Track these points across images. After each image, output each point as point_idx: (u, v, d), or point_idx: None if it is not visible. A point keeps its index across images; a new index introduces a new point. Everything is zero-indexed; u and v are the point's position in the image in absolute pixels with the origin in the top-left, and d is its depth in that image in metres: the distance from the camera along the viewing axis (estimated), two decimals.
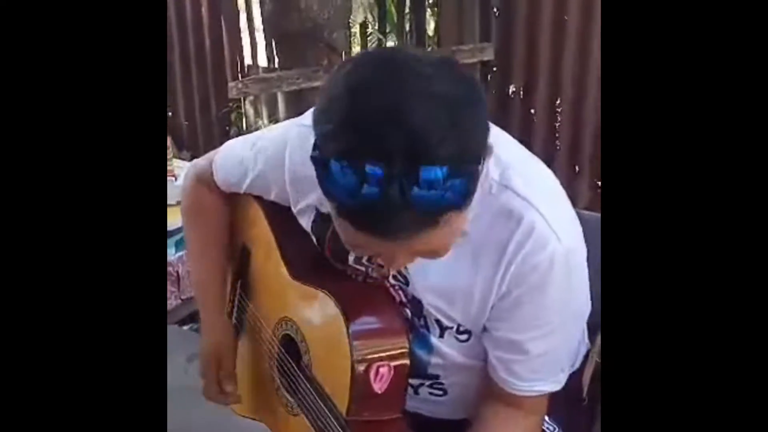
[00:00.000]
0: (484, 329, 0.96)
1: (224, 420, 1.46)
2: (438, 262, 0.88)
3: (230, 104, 3.57)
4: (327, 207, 0.98)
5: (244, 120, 3.66)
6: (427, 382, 1.06)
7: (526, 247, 0.88)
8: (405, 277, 0.98)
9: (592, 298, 1.14)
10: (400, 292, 1.00)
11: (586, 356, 1.26)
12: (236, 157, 1.15)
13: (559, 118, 2.93)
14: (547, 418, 1.08)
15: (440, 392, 1.07)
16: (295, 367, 1.08)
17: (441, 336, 0.99)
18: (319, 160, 0.75)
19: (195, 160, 1.27)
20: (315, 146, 0.76)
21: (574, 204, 1.10)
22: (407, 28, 3.64)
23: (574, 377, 1.25)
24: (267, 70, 3.35)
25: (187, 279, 2.19)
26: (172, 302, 2.05)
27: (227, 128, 3.65)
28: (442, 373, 1.05)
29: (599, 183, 2.85)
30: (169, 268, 2.12)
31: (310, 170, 0.97)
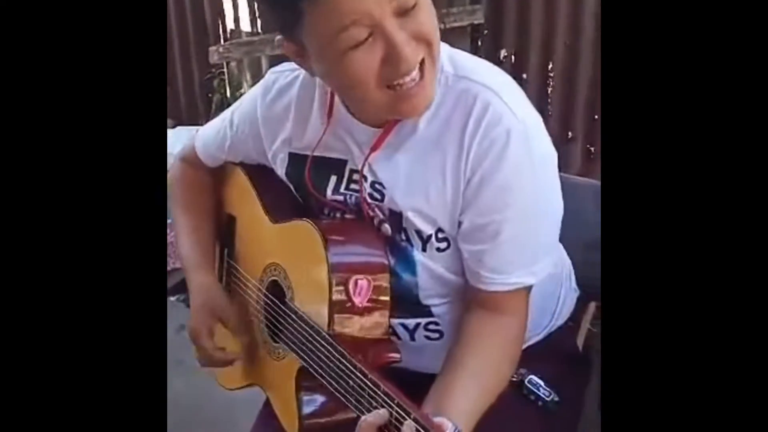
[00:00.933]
0: (459, 227, 0.98)
1: (210, 391, 1.43)
2: (407, 161, 0.97)
3: (213, 70, 3.48)
4: (299, 144, 1.07)
5: (227, 87, 3.57)
6: (423, 322, 1.06)
7: (483, 123, 0.92)
8: (381, 193, 1.00)
9: (590, 268, 1.13)
10: (377, 210, 1.02)
11: (578, 312, 1.24)
12: (214, 128, 1.22)
13: (551, 83, 2.86)
14: (542, 383, 1.06)
15: (436, 335, 1.07)
16: (281, 306, 1.06)
17: (423, 249, 1.01)
18: None
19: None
20: None
21: (567, 170, 1.08)
22: None
23: (569, 335, 1.23)
24: (250, 34, 3.26)
25: (169, 249, 2.16)
26: None
27: (210, 95, 3.56)
28: (432, 303, 1.05)
29: (592, 149, 2.80)
30: None
31: (279, 111, 1.08)
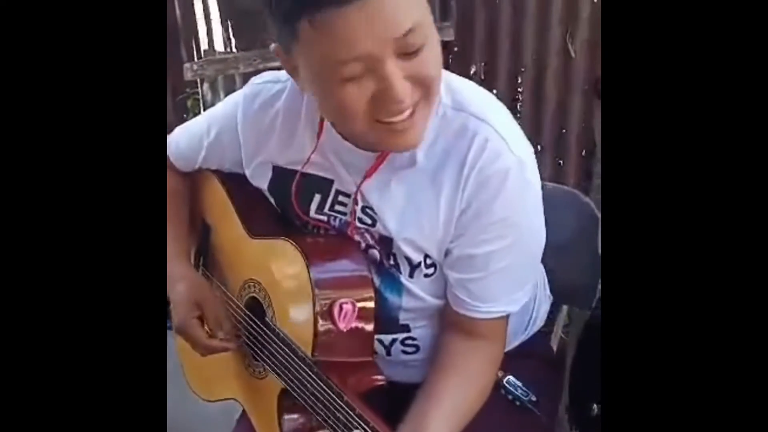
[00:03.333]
0: (446, 254, 0.99)
1: (190, 404, 1.42)
2: (403, 192, 0.97)
3: (186, 90, 3.49)
4: (283, 159, 1.06)
5: (201, 106, 3.57)
6: (400, 337, 1.07)
7: (482, 158, 0.93)
8: (372, 218, 1.00)
9: (560, 271, 1.16)
10: (367, 236, 1.02)
11: (552, 317, 1.27)
12: (189, 133, 1.21)
13: (520, 98, 2.92)
14: (520, 384, 1.08)
15: (412, 349, 1.08)
16: (261, 326, 1.06)
17: (411, 276, 1.02)
18: None
19: None
20: None
21: None
22: None
23: (543, 339, 1.26)
24: (223, 53, 3.28)
25: None
26: None
27: (184, 116, 3.56)
28: (412, 323, 1.06)
29: (561, 162, 2.85)
30: None
31: (263, 123, 1.07)
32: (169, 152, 1.23)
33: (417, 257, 1.01)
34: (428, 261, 1.01)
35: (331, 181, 1.05)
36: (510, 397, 1.10)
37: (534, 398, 1.10)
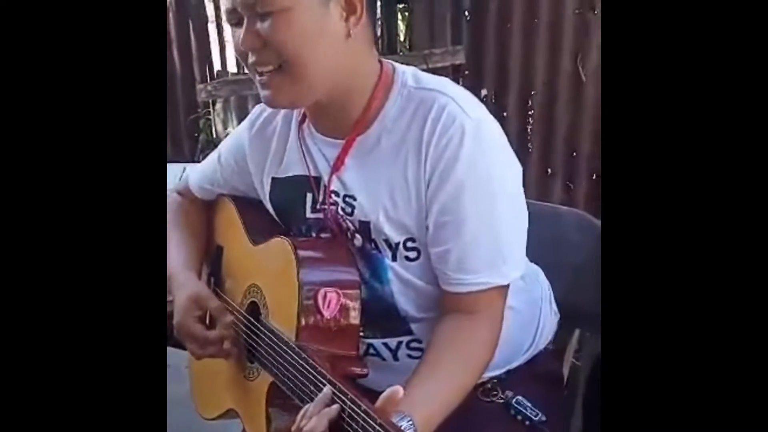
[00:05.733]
0: (426, 232, 1.01)
1: (194, 430, 1.42)
2: (372, 169, 1.02)
3: (198, 110, 3.52)
4: (280, 168, 1.13)
5: (213, 127, 3.60)
6: (405, 339, 1.08)
7: (439, 124, 0.98)
8: (351, 206, 1.05)
9: (572, 293, 1.16)
10: (348, 222, 1.06)
11: (563, 341, 1.27)
12: (207, 162, 1.30)
13: (530, 122, 2.93)
14: (529, 404, 1.08)
15: (418, 353, 1.08)
16: (255, 324, 1.08)
17: (394, 258, 1.04)
18: None
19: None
20: None
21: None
22: (378, 33, 3.62)
23: (553, 361, 1.26)
24: (236, 75, 3.32)
25: None
26: None
27: (196, 135, 3.59)
28: (412, 315, 1.07)
29: (571, 185, 2.85)
30: None
31: (265, 138, 1.16)
32: (189, 183, 1.31)
33: (396, 237, 1.03)
34: (408, 244, 1.03)
35: (320, 179, 1.09)
36: (519, 417, 1.09)
37: (543, 418, 1.09)
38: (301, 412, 0.88)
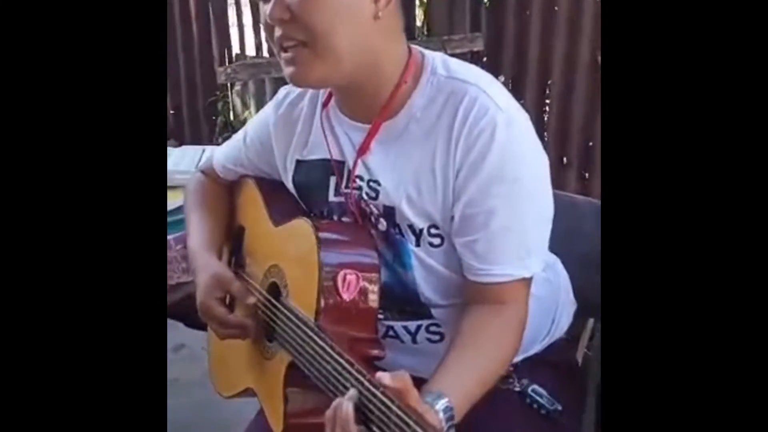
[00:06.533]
0: (451, 222, 1.02)
1: (209, 410, 1.44)
2: (399, 156, 1.03)
3: (217, 93, 3.54)
4: (305, 151, 1.14)
5: (231, 109, 3.62)
6: (424, 323, 1.09)
7: (470, 116, 0.98)
8: (375, 191, 1.05)
9: (588, 283, 1.17)
10: (372, 206, 1.06)
11: (578, 329, 1.28)
12: (231, 143, 1.31)
13: (547, 110, 2.93)
14: (545, 392, 1.09)
15: (437, 337, 1.10)
16: (275, 304, 1.09)
17: (417, 244, 1.05)
18: None
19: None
20: None
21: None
22: None
23: (569, 350, 1.27)
24: (254, 58, 3.32)
25: (174, 264, 2.19)
26: None
27: (214, 118, 3.61)
28: (433, 301, 1.08)
29: (586, 174, 2.85)
30: None
31: (290, 120, 1.16)
32: (214, 163, 1.32)
33: (420, 223, 1.03)
34: (432, 231, 1.04)
35: (343, 163, 1.10)
36: (535, 406, 1.10)
37: (559, 408, 1.10)
38: (327, 415, 0.87)
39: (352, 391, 0.85)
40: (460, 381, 0.94)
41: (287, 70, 1.01)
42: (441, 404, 0.88)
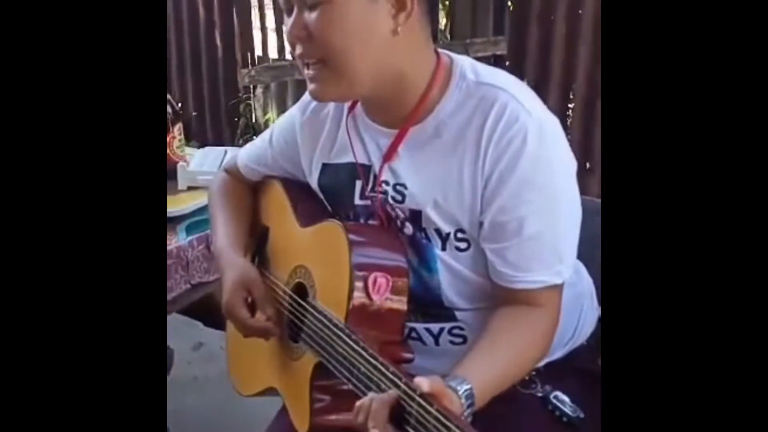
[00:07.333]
0: (480, 228, 1.01)
1: (228, 408, 1.45)
2: (427, 161, 1.02)
3: (239, 95, 3.56)
4: (331, 154, 1.14)
5: (253, 112, 3.64)
6: (447, 326, 1.09)
7: (501, 123, 0.97)
8: (402, 194, 1.05)
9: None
10: (398, 210, 1.06)
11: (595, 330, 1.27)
12: (255, 145, 1.32)
13: (570, 114, 2.91)
14: (568, 399, 1.08)
15: (460, 339, 1.10)
16: (302, 304, 1.09)
17: (443, 248, 1.05)
18: None
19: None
20: None
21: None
22: None
23: (591, 355, 1.25)
24: (277, 61, 3.34)
25: (195, 264, 2.21)
26: (182, 286, 2.05)
27: (236, 119, 3.64)
28: (457, 305, 1.08)
29: None
30: (180, 253, 2.11)
31: (316, 124, 1.17)
32: (238, 163, 1.33)
33: (446, 228, 1.03)
34: (459, 235, 1.03)
35: (369, 167, 1.10)
36: (557, 413, 1.09)
37: (581, 415, 1.08)
38: (358, 404, 0.87)
39: (393, 392, 0.85)
40: (486, 370, 0.94)
41: (310, 87, 1.03)
42: (463, 389, 0.88)
